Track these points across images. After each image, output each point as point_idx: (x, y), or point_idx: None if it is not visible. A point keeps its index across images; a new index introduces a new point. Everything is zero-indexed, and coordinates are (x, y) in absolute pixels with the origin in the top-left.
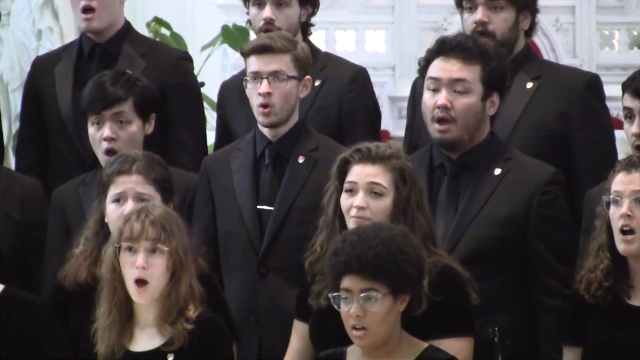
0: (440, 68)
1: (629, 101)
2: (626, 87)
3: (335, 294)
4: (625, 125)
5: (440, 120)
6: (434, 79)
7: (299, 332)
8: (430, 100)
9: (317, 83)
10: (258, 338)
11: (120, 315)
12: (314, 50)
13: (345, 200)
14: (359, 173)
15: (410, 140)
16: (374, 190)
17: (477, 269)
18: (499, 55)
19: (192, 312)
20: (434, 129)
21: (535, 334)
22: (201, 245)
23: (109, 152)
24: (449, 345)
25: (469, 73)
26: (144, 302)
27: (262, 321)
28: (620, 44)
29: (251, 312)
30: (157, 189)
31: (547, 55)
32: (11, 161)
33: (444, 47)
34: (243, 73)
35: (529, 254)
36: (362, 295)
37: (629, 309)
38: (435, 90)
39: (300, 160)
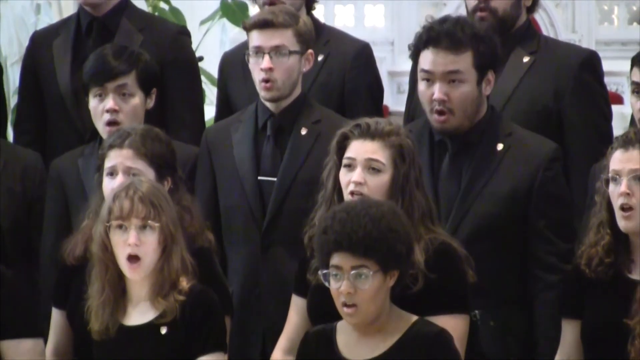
0: (431, 61)
1: (638, 76)
2: (636, 61)
3: (325, 271)
4: (632, 99)
5: (438, 112)
6: (426, 71)
7: (297, 307)
8: (426, 91)
9: (320, 58)
10: (261, 311)
11: (113, 293)
12: (317, 24)
13: (343, 175)
14: (358, 149)
15: (409, 112)
16: (372, 167)
17: (481, 246)
18: (488, 34)
19: (184, 284)
20: (433, 119)
21: (529, 311)
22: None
23: (111, 123)
24: (444, 322)
25: (461, 63)
26: (137, 277)
27: (264, 294)
28: (619, 19)
29: (254, 285)
30: (149, 164)
31: (546, 30)
32: (9, 135)
33: (431, 37)
34: (245, 46)
35: (529, 231)
36: (352, 272)
37: (630, 283)
38: (430, 81)
39: (303, 132)
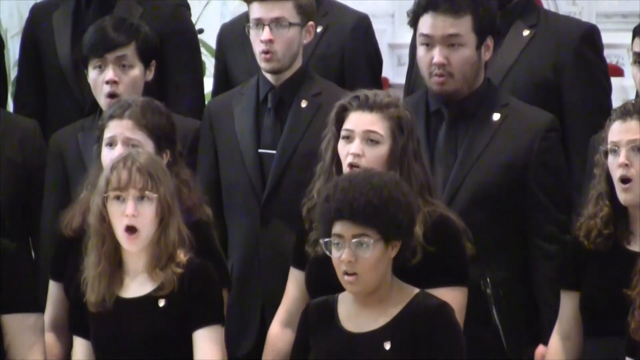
0: (431, 25)
1: (639, 46)
2: (637, 32)
3: (326, 239)
4: (634, 70)
5: (437, 76)
6: (426, 35)
7: (295, 279)
8: (425, 56)
9: (318, 29)
10: (260, 283)
11: (109, 264)
12: None
13: (342, 147)
14: (356, 121)
15: (410, 85)
16: (370, 138)
17: (478, 215)
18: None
19: (182, 257)
20: (432, 82)
21: (531, 281)
22: (204, 192)
23: (111, 95)
24: (443, 294)
25: (461, 26)
26: (135, 249)
27: (264, 266)
28: None
29: (254, 257)
30: (149, 136)
31: (546, 3)
32: (9, 107)
33: (431, 1)
34: (245, 17)
35: (527, 201)
36: (353, 241)
37: (629, 254)
38: (429, 45)
39: (304, 104)
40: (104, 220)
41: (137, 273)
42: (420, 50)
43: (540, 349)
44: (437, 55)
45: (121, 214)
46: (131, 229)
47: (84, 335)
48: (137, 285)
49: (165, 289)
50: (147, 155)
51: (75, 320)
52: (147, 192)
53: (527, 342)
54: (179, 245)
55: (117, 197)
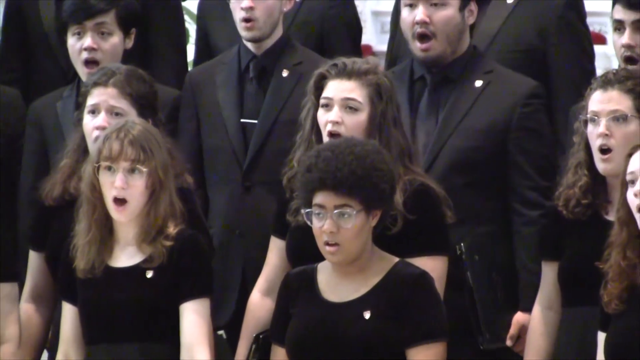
0: None
1: (620, 13)
2: None
3: (308, 209)
4: (615, 37)
5: (420, 37)
6: None
7: (276, 248)
8: (408, 17)
9: None
10: (241, 251)
11: (100, 232)
12: None
13: (321, 115)
14: (335, 88)
15: (392, 54)
16: (349, 106)
17: (457, 180)
18: None
19: (172, 229)
20: (416, 47)
21: (511, 247)
22: (186, 161)
23: (89, 62)
24: (423, 263)
25: None
26: (123, 219)
27: (246, 234)
28: None
29: (236, 225)
30: (132, 104)
31: None
32: None
33: None
34: None
35: (508, 166)
36: (336, 211)
37: (607, 224)
38: (412, 6)
39: (285, 74)
40: (95, 189)
41: (127, 244)
42: (404, 12)
43: (518, 316)
44: (419, 13)
45: (111, 185)
46: (120, 201)
47: (73, 301)
48: (126, 256)
49: (153, 261)
50: (142, 127)
51: (64, 285)
52: (137, 165)
53: (503, 308)
54: (170, 218)
55: (108, 168)
